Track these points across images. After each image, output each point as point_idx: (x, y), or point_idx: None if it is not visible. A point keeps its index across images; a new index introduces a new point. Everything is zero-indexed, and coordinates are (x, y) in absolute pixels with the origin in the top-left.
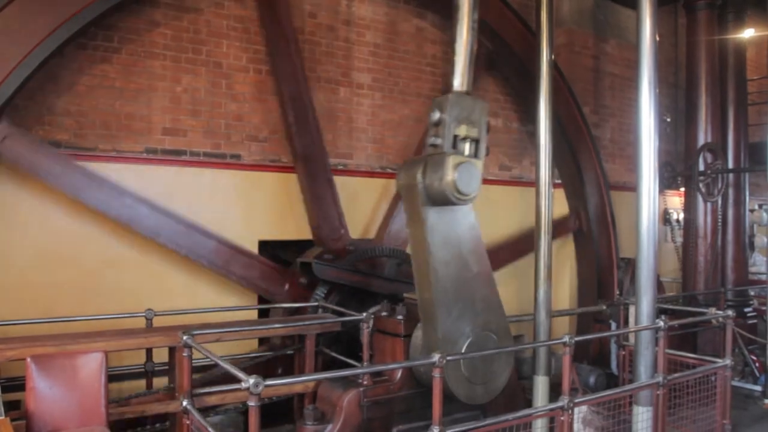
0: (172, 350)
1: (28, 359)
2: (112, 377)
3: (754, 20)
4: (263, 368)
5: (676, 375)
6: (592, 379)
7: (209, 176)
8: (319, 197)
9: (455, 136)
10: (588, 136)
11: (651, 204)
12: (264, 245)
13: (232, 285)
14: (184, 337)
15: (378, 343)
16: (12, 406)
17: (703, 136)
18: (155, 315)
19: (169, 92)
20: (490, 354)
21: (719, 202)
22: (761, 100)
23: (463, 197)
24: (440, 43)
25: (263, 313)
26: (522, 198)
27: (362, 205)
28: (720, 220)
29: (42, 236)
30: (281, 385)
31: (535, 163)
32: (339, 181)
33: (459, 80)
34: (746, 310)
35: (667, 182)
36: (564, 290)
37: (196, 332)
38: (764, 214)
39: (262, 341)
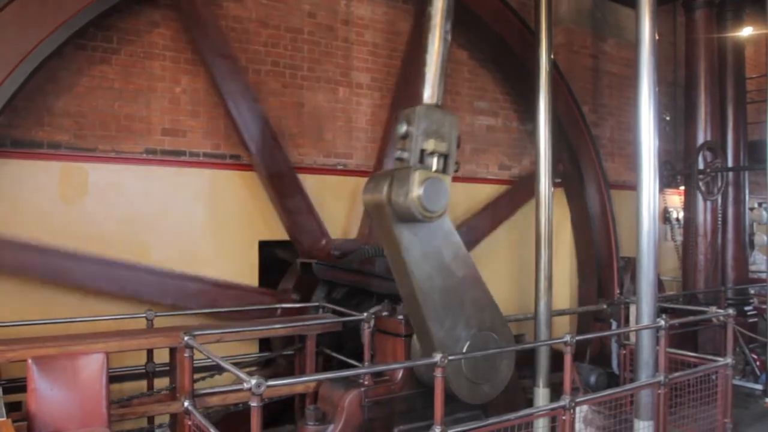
0: (173, 351)
1: (29, 360)
2: (113, 378)
3: (752, 18)
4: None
5: (677, 374)
6: (592, 379)
7: (209, 177)
8: (294, 211)
9: (423, 151)
10: (587, 134)
11: (651, 203)
12: (264, 245)
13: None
14: (186, 338)
15: (379, 343)
16: (13, 408)
17: (702, 135)
18: (156, 316)
19: (168, 93)
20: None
21: (719, 200)
22: (760, 98)
23: (429, 214)
24: None
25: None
26: None
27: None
28: (720, 219)
29: (43, 237)
30: (282, 385)
31: (535, 163)
32: (339, 180)
33: (429, 92)
34: (747, 308)
35: (666, 181)
36: (564, 289)
37: (197, 333)
38: (764, 213)
39: (262, 342)
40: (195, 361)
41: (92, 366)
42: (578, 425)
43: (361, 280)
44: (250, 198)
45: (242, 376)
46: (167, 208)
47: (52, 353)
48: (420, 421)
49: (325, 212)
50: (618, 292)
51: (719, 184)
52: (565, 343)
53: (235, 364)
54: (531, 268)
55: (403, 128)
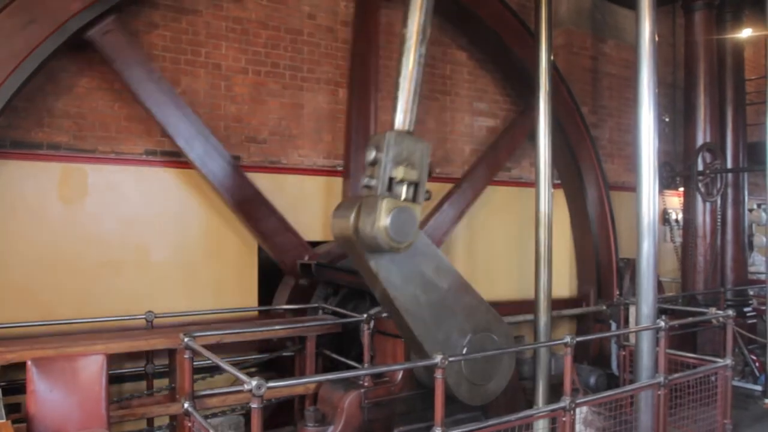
0: (172, 352)
1: (29, 362)
2: (113, 379)
3: (751, 20)
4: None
5: (677, 375)
6: (592, 380)
7: None
8: (270, 234)
9: (392, 179)
10: (587, 136)
11: (651, 204)
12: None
13: (232, 286)
14: (186, 339)
15: (379, 344)
16: (13, 409)
17: (701, 136)
18: (155, 317)
19: None
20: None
21: (718, 201)
22: (759, 99)
23: (397, 245)
24: (438, 44)
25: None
26: (522, 198)
27: None
28: (719, 220)
29: (42, 238)
30: (282, 386)
31: (535, 164)
32: (339, 181)
33: (401, 117)
34: (746, 309)
35: (666, 182)
36: (564, 289)
37: (197, 334)
38: (763, 214)
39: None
40: (194, 362)
41: (92, 367)
42: (578, 426)
43: (361, 281)
44: None
45: (242, 377)
46: (166, 209)
47: (51, 354)
48: (420, 422)
49: (325, 213)
50: (617, 293)
51: (718, 185)
52: (566, 344)
53: (235, 365)
54: (531, 268)
55: (371, 154)
